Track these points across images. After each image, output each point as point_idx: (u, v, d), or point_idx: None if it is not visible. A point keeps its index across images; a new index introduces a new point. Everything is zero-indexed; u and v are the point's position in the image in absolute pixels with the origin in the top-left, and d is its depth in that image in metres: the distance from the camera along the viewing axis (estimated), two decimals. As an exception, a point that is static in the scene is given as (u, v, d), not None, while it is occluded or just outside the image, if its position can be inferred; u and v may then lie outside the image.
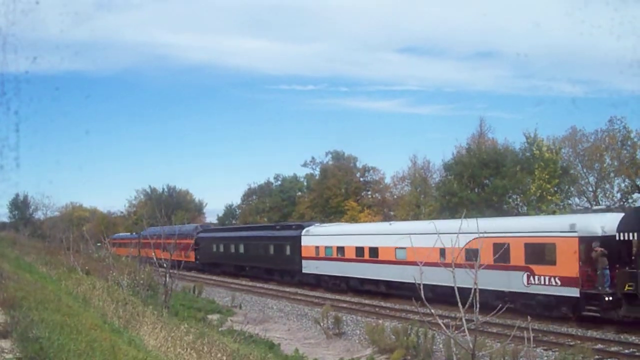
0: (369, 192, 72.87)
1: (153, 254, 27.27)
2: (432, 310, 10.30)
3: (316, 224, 41.06)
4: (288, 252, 40.23)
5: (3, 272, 17.48)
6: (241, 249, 47.93)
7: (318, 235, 37.41)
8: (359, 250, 33.19)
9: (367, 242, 32.47)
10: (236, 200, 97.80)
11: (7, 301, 11.60)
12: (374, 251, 31.88)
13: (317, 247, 36.90)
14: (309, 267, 37.63)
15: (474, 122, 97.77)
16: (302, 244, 38.36)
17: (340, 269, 34.85)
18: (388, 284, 30.82)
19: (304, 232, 38.77)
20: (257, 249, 44.95)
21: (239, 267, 48.42)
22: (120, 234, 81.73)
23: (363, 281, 33.05)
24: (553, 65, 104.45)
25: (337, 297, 33.38)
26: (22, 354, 7.60)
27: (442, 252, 24.01)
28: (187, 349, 11.16)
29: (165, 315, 17.19)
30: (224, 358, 9.89)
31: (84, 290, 20.22)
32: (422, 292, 10.26)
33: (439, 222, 27.70)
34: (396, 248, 29.57)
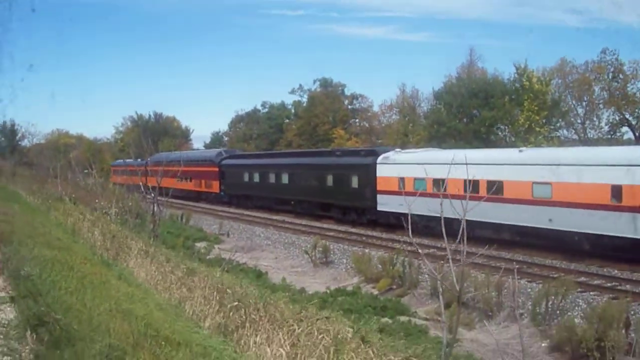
0: (357, 120, 72.70)
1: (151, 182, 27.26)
2: (416, 242, 10.24)
3: (397, 150, 32.98)
4: (355, 184, 33.20)
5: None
6: (284, 179, 40.39)
7: (403, 164, 29.68)
8: (471, 185, 23.76)
9: (483, 174, 23.37)
10: (223, 127, 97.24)
11: (-3, 235, 11.61)
12: (496, 186, 21.60)
13: (401, 179, 28.93)
14: (388, 204, 29.90)
15: (465, 51, 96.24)
16: (378, 174, 31.17)
17: (439, 208, 24.84)
18: (516, 229, 23.97)
19: (380, 159, 31.45)
20: (309, 180, 37.68)
21: (281, 200, 41.13)
22: (122, 160, 71.61)
23: (476, 224, 22.06)
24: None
25: (324, 225, 33.77)
26: (15, 292, 7.62)
27: (616, 190, 19.72)
28: (177, 283, 11.32)
29: (153, 245, 17.28)
30: (214, 292, 10.08)
31: (72, 221, 20.25)
32: (409, 224, 10.07)
33: (604, 150, 23.18)
34: (534, 183, 22.80)
